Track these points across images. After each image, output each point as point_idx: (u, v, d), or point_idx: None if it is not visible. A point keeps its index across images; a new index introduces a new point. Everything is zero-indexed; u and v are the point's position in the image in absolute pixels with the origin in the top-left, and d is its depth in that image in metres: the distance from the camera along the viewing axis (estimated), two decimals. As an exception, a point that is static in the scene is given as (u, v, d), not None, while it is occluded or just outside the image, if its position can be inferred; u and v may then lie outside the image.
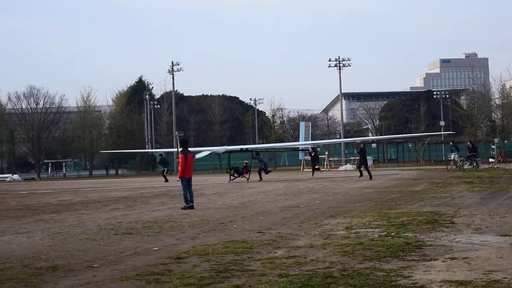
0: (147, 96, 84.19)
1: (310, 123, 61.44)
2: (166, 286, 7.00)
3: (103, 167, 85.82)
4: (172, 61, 76.85)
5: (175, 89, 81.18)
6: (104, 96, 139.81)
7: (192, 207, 16.84)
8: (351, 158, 62.38)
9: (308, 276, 7.19)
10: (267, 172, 37.89)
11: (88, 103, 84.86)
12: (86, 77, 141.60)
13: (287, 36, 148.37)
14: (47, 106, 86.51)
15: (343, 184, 28.19)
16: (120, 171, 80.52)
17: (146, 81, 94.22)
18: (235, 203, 18.92)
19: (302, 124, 57.51)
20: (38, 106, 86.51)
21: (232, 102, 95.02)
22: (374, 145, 78.70)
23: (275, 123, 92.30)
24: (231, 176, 36.36)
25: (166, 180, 38.71)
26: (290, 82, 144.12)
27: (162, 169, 42.54)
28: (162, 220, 13.89)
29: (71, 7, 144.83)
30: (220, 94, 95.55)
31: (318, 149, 71.22)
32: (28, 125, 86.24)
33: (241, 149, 44.49)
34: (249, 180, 35.41)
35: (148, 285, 7.06)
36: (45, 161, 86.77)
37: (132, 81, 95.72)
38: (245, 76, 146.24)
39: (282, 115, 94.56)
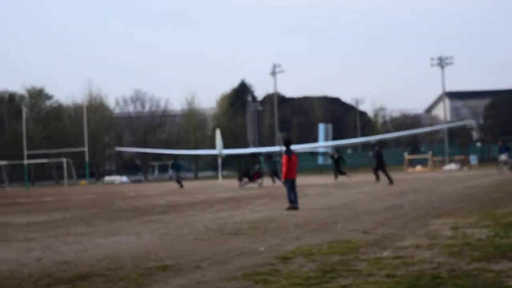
0: (249, 98, 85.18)
1: (330, 125, 54.16)
2: (274, 286, 7.05)
3: (209, 168, 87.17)
4: (274, 64, 77.20)
5: (277, 91, 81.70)
6: (208, 99, 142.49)
7: (296, 208, 16.92)
8: (457, 157, 60.89)
9: (416, 277, 7.09)
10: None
11: (192, 105, 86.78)
12: (190, 80, 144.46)
13: (387, 34, 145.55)
14: (153, 110, 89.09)
15: (447, 185, 27.53)
16: (224, 172, 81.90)
17: (248, 84, 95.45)
18: (338, 203, 18.85)
19: (321, 126, 52.35)
20: (144, 110, 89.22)
21: (333, 103, 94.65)
22: (478, 144, 76.33)
23: (377, 123, 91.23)
24: (241, 181, 34.78)
25: (181, 186, 36.94)
26: (392, 82, 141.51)
27: (176, 174, 39.47)
28: (266, 221, 14.02)
29: (173, 10, 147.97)
30: (322, 96, 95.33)
31: (422, 148, 69.32)
32: (135, 128, 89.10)
33: (252, 153, 42.46)
34: (261, 186, 33.89)
35: (255, 285, 7.12)
36: (151, 163, 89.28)
37: (235, 83, 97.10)
38: (346, 76, 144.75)
39: (384, 115, 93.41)
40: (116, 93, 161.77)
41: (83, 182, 71.31)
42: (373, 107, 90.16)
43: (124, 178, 74.89)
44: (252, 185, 34.22)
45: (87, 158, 68.96)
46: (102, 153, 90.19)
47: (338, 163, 36.96)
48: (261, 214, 16.16)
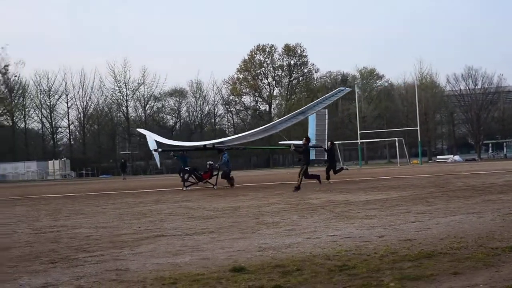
0: None
1: (326, 111, 39.14)
2: None
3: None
4: None
5: None
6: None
7: None
8: None
9: None
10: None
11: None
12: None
13: None
14: (486, 87, 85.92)
15: None
16: None
17: None
18: None
19: (311, 117, 38.29)
20: (476, 87, 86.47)
21: None
22: None
23: None
24: (185, 181, 28.58)
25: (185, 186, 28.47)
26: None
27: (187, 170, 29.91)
28: None
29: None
30: None
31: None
32: (466, 106, 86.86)
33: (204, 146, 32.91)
34: (215, 187, 27.88)
35: None
36: (484, 141, 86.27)
37: None
38: None
39: None
40: (447, 71, 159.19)
41: (415, 161, 71.65)
42: None
43: (456, 157, 73.53)
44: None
45: (419, 137, 69.00)
46: (433, 132, 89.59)
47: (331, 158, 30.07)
48: None
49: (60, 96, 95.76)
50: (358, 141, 72.36)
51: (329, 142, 31.42)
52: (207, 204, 17.96)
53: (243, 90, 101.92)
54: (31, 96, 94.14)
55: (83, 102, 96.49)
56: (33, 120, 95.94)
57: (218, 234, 10.63)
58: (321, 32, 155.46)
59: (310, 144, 29.49)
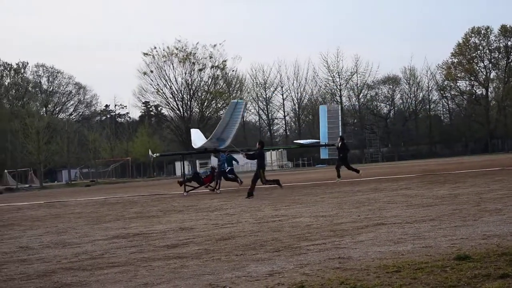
0: None
1: (339, 106, 34.59)
2: None
3: None
4: None
5: None
6: None
7: None
8: None
9: None
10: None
11: None
12: None
13: None
14: None
15: None
16: None
17: None
18: None
19: (322, 109, 34.01)
20: None
21: None
22: None
23: None
24: (186, 186, 27.41)
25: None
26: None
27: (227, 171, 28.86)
28: None
29: None
30: None
31: None
32: None
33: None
34: (218, 191, 26.68)
35: None
36: None
37: None
38: None
39: None
40: None
41: None
42: None
43: None
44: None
45: None
46: None
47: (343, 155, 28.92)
48: None
49: (275, 89, 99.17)
50: None
51: (338, 139, 29.71)
52: (425, 192, 17.58)
53: (458, 75, 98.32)
54: (248, 90, 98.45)
55: (297, 94, 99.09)
56: (251, 112, 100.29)
57: (439, 222, 10.37)
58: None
59: (322, 142, 31.91)
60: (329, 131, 32.48)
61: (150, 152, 32.48)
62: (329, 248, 8.45)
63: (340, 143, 28.86)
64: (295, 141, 39.07)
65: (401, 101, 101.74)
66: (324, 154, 32.66)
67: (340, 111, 34.13)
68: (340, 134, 31.60)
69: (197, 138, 33.08)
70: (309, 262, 7.49)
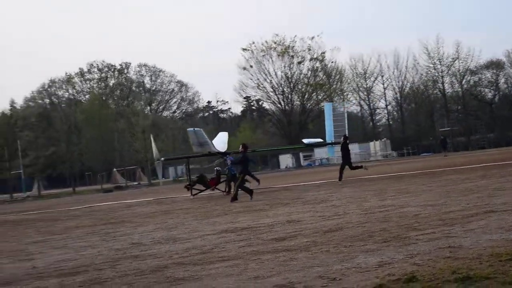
0: None
1: (344, 103, 32.58)
2: None
3: None
4: None
5: None
6: None
7: None
8: None
9: None
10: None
11: None
12: None
13: None
14: None
15: None
16: None
17: None
18: None
19: (327, 107, 33.44)
20: None
21: None
22: None
23: None
24: (192, 189, 27.92)
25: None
26: None
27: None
28: None
29: None
30: None
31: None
32: None
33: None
34: (226, 193, 26.44)
35: None
36: None
37: None
38: None
39: None
40: None
41: None
42: None
43: None
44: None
45: None
46: None
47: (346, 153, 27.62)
48: None
49: (376, 78, 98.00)
50: None
51: (342, 137, 28.56)
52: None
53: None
54: (348, 80, 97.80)
55: (398, 82, 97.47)
56: (352, 103, 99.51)
57: (554, 208, 10.02)
58: None
59: (328, 141, 31.50)
60: (335, 129, 32.04)
61: (154, 155, 32.54)
62: (439, 237, 8.33)
63: (342, 142, 27.91)
64: (302, 140, 38.07)
65: (506, 85, 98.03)
66: (331, 152, 32.52)
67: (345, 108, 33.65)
68: (346, 132, 30.64)
69: (220, 142, 32.67)
70: (419, 252, 7.42)
